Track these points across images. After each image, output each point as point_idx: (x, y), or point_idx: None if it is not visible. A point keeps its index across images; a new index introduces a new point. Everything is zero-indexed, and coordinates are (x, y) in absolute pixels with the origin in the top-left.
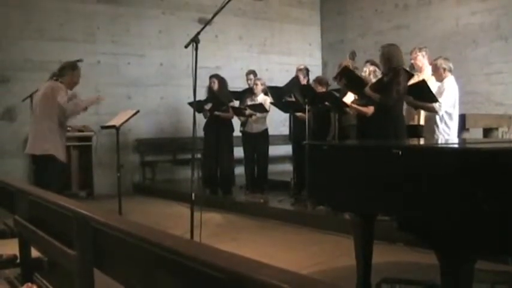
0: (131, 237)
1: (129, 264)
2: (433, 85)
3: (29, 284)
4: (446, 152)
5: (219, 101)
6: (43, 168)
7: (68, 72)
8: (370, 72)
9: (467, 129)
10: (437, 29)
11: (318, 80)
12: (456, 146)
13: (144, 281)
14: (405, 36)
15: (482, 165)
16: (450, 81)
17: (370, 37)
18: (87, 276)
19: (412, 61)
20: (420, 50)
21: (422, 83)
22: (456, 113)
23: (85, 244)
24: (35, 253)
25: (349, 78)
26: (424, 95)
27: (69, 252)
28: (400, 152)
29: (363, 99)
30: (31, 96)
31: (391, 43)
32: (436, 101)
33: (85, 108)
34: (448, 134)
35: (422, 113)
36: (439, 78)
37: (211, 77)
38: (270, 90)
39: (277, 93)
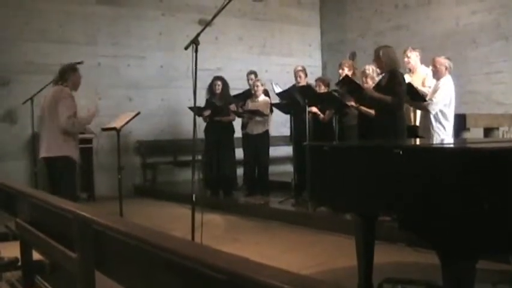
0: (132, 239)
1: (130, 266)
2: (431, 84)
3: None
4: (447, 151)
5: (218, 108)
6: (60, 170)
7: (71, 75)
8: (373, 70)
9: (468, 129)
10: (437, 29)
11: (321, 80)
12: (457, 145)
13: (145, 282)
14: (405, 37)
15: (483, 165)
16: (446, 80)
17: (370, 37)
18: (88, 278)
19: (406, 59)
20: (414, 49)
21: (409, 87)
22: (452, 113)
23: (86, 246)
24: (36, 256)
25: (350, 86)
26: (413, 96)
27: (71, 255)
28: (401, 152)
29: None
30: (32, 98)
31: (385, 45)
32: (424, 100)
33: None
34: (442, 133)
35: (418, 114)
36: (438, 76)
37: (215, 78)
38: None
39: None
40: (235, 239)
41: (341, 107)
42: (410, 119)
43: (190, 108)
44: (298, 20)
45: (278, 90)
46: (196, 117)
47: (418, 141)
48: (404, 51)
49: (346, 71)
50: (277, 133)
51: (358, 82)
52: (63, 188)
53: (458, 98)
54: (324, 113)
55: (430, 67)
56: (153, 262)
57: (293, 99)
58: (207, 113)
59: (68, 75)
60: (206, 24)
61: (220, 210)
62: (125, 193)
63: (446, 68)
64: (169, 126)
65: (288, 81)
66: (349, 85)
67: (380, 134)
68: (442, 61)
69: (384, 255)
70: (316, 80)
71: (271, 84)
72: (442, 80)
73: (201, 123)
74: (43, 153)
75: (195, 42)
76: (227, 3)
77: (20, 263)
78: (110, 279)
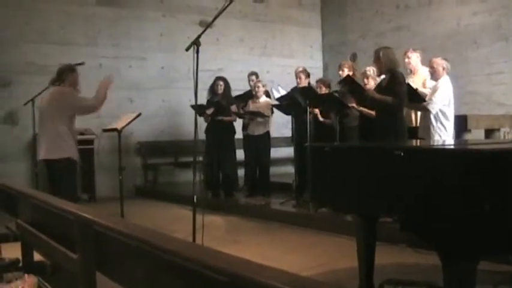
0: (133, 240)
1: (132, 267)
2: (430, 85)
3: (26, 275)
4: (448, 153)
5: (221, 107)
6: (61, 172)
7: (68, 76)
8: (374, 71)
9: (469, 130)
10: (438, 30)
11: (322, 81)
12: (458, 147)
13: (147, 284)
14: (406, 37)
15: (484, 166)
16: (445, 80)
17: (371, 38)
18: (89, 279)
19: (406, 60)
20: (415, 50)
21: (407, 88)
22: (452, 113)
23: (87, 247)
24: (37, 257)
25: (352, 87)
26: (412, 97)
27: (72, 256)
28: (402, 154)
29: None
30: (33, 100)
31: (385, 46)
32: (424, 100)
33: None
34: (443, 133)
35: (419, 115)
36: (436, 77)
37: (217, 78)
38: (276, 107)
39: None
40: (236, 240)
41: (342, 108)
42: (411, 121)
43: (192, 106)
44: (299, 21)
45: (277, 94)
46: (198, 117)
47: (419, 142)
48: (405, 53)
49: (346, 72)
50: (278, 134)
51: (359, 83)
52: (64, 189)
53: (459, 98)
54: (327, 116)
55: (428, 68)
56: (154, 263)
57: (294, 101)
58: (210, 111)
59: (65, 75)
60: (207, 25)
61: (221, 211)
62: (126, 194)
63: (443, 68)
64: (170, 127)
65: (289, 82)
66: (351, 85)
67: (381, 135)
68: (439, 62)
69: (385, 256)
70: (316, 81)
71: (271, 89)
72: (440, 81)
73: (202, 124)
74: (43, 155)
75: (196, 43)
76: (228, 5)
77: (21, 264)
78: (110, 280)
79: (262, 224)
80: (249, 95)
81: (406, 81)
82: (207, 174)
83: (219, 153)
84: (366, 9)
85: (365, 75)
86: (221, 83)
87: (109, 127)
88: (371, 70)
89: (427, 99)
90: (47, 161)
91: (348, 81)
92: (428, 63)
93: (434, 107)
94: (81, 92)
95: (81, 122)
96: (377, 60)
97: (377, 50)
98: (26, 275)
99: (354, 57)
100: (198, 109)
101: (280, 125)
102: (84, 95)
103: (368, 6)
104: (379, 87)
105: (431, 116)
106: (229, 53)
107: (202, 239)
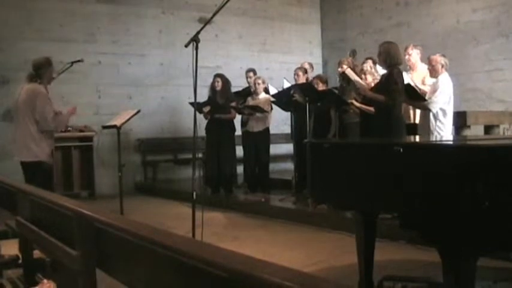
0: (133, 236)
1: (132, 264)
2: (429, 82)
3: (45, 281)
4: (447, 149)
5: (218, 105)
6: (32, 174)
7: (46, 70)
8: (371, 67)
9: (469, 126)
10: (438, 27)
11: (319, 78)
12: (457, 143)
13: (147, 280)
14: (406, 34)
15: (482, 162)
16: (444, 78)
17: (371, 35)
18: (89, 276)
19: (407, 56)
20: (415, 47)
21: (408, 87)
22: (451, 110)
23: (87, 244)
24: (37, 253)
25: (348, 81)
26: (413, 96)
27: (72, 253)
28: (401, 150)
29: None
30: None
31: (389, 41)
32: (424, 100)
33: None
34: (442, 130)
35: (418, 112)
36: (435, 74)
37: (216, 76)
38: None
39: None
40: (236, 236)
41: (341, 104)
42: (409, 117)
43: (190, 103)
44: (298, 17)
45: (273, 90)
46: (197, 114)
47: (418, 138)
48: (406, 49)
49: (345, 69)
50: (278, 131)
51: (356, 79)
52: None
53: (459, 95)
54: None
55: (427, 65)
56: (154, 260)
57: (291, 99)
58: (206, 109)
59: (44, 70)
60: (206, 22)
61: (220, 208)
62: (126, 191)
63: (442, 66)
64: (169, 124)
65: (288, 79)
66: (347, 80)
67: (378, 132)
68: (438, 59)
69: (385, 253)
70: (313, 78)
71: (268, 85)
72: (440, 78)
73: (202, 121)
74: (17, 156)
75: (195, 39)
76: (227, 1)
77: (20, 261)
78: (111, 277)
79: (261, 220)
80: (248, 92)
81: (407, 80)
82: (207, 171)
83: (218, 150)
84: (366, 5)
85: (362, 72)
86: (218, 79)
87: (108, 124)
88: (367, 66)
89: (427, 97)
90: (20, 162)
91: (344, 78)
92: (427, 60)
93: (435, 106)
94: (79, 89)
95: (80, 119)
96: (378, 56)
97: (380, 45)
98: (44, 281)
99: (353, 54)
100: (196, 106)
101: (280, 121)
102: (82, 94)
103: (368, 3)
104: (379, 83)
105: (431, 115)
106: (229, 49)
107: (201, 236)
